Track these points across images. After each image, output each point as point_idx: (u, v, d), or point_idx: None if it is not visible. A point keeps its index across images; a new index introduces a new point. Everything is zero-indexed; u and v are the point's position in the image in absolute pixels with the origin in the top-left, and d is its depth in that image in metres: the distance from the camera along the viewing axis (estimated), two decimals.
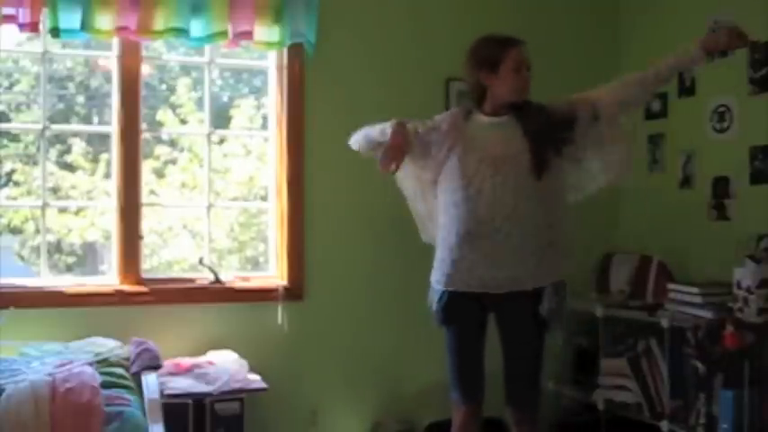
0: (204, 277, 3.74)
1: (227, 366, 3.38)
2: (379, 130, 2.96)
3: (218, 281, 3.72)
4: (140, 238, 3.65)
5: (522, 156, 2.80)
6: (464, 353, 2.92)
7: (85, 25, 3.36)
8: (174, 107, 4.50)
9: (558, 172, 2.87)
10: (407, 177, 3.09)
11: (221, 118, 4.26)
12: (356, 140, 3.10)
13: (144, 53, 3.69)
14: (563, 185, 2.92)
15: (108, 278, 3.67)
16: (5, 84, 4.52)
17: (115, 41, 3.61)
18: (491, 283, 2.83)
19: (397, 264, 3.88)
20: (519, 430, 2.93)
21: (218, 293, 3.69)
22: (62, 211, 4.42)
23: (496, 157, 2.81)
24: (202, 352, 3.55)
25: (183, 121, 4.50)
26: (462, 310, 2.90)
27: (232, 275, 3.82)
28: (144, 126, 3.74)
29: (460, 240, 2.84)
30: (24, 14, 3.29)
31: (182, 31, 3.46)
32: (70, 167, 4.48)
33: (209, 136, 3.82)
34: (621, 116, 2.87)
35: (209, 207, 3.81)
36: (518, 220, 2.78)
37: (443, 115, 3.05)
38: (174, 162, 4.56)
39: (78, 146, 4.51)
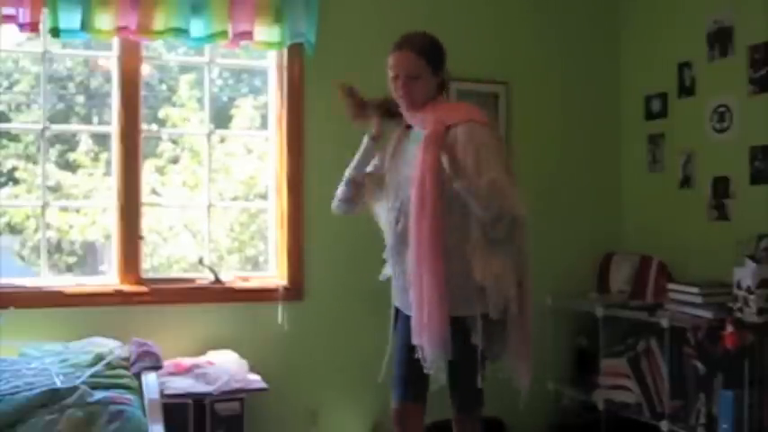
0: (204, 277, 3.74)
1: (227, 366, 3.38)
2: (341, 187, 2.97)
3: (218, 281, 3.71)
4: (140, 238, 3.65)
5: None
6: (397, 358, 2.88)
7: (85, 25, 3.35)
8: (175, 106, 4.51)
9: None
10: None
11: (222, 118, 4.26)
12: (335, 206, 3.05)
13: (144, 53, 3.69)
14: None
15: (108, 278, 3.67)
16: (5, 84, 4.52)
17: (115, 41, 3.61)
18: (404, 305, 2.78)
19: None
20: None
21: (218, 293, 3.69)
22: (63, 208, 4.42)
23: (409, 178, 2.69)
24: (202, 352, 3.55)
25: (185, 119, 4.50)
26: (399, 320, 2.86)
27: (232, 275, 3.82)
28: (145, 125, 3.74)
29: (388, 254, 2.87)
30: (24, 14, 3.29)
31: (182, 31, 3.46)
32: (71, 167, 4.48)
33: (209, 135, 3.82)
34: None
35: (210, 206, 3.81)
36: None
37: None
38: (175, 161, 4.56)
39: (85, 143, 4.51)
